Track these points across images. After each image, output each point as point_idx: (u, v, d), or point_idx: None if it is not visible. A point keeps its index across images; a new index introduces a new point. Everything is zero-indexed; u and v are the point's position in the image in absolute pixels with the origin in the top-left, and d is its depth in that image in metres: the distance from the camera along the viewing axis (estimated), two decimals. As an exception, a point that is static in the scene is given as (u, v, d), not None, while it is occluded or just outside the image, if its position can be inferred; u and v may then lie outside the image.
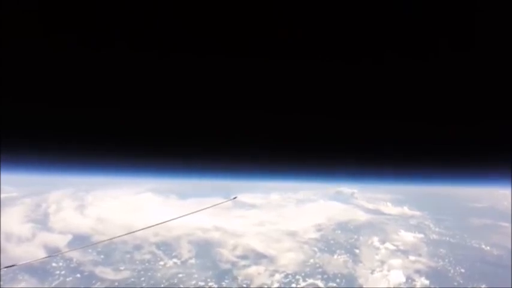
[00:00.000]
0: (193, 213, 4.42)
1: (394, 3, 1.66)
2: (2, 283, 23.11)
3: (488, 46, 1.84)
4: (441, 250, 30.18)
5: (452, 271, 27.76)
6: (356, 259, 28.14)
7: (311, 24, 1.77)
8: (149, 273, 25.52)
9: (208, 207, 4.69)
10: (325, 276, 26.24)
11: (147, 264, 26.36)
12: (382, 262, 28.19)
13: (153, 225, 4.35)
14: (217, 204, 5.07)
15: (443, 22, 1.73)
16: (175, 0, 1.66)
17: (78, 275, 25.32)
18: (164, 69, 2.01)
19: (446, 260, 28.95)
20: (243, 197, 34.53)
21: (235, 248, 28.11)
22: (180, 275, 25.57)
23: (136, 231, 10.08)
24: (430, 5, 1.66)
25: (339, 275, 26.42)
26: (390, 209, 36.14)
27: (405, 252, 29.29)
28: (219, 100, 2.33)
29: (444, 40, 1.83)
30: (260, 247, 28.19)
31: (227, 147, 3.11)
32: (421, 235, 31.73)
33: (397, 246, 30.09)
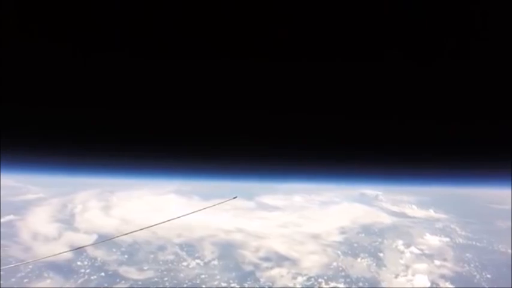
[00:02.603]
0: (193, 212, 4.47)
1: (397, 4, 1.63)
2: (27, 280, 24.02)
3: (488, 46, 1.79)
4: (467, 255, 29.18)
5: (478, 276, 26.79)
6: (380, 263, 27.61)
7: (313, 26, 1.73)
8: (172, 274, 25.84)
9: (208, 207, 4.75)
10: (348, 279, 25.86)
11: (170, 264, 26.72)
12: (407, 266, 27.52)
13: (152, 225, 4.45)
14: (219, 204, 5.04)
15: (445, 23, 1.69)
16: (177, 3, 1.64)
17: (103, 274, 25.86)
18: (182, 72, 2.02)
19: (472, 265, 27.97)
20: (265, 199, 34.56)
21: (257, 249, 28.13)
22: (203, 276, 25.78)
23: (136, 231, 10.32)
24: (433, 8, 1.63)
25: (362, 278, 25.99)
26: (415, 211, 35.21)
27: (430, 257, 28.51)
28: (233, 102, 2.34)
29: (446, 40, 1.79)
30: (283, 249, 28.10)
31: (246, 149, 3.15)
32: (447, 239, 30.79)
33: (422, 250, 29.32)
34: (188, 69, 2.06)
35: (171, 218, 4.17)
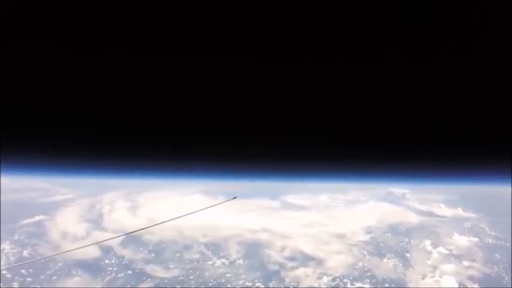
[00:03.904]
0: (193, 213, 4.47)
1: (397, 4, 1.62)
2: (56, 277, 24.89)
3: (488, 46, 1.77)
4: (496, 255, 28.23)
5: (506, 278, 25.91)
6: (407, 263, 27.08)
7: (312, 26, 1.73)
8: (198, 272, 26.21)
9: (208, 207, 4.76)
10: (374, 280, 25.51)
11: (195, 263, 27.11)
12: (434, 267, 26.87)
13: (153, 225, 4.50)
14: (218, 204, 5.08)
15: (445, 23, 1.68)
16: (177, 3, 1.64)
17: (130, 272, 26.48)
18: (182, 72, 2.00)
19: (501, 266, 27.05)
20: (290, 198, 34.57)
21: (283, 249, 28.16)
22: (228, 275, 26.02)
23: (137, 230, 10.47)
24: (433, 8, 1.62)
25: (388, 279, 25.57)
26: (444, 210, 34.27)
27: (458, 257, 27.73)
28: (233, 102, 2.33)
29: (446, 40, 1.78)
30: (308, 249, 28.01)
31: (245, 150, 3.13)
32: (476, 239, 29.87)
33: (450, 250, 28.56)
34: (188, 69, 2.06)
35: (171, 218, 4.25)
